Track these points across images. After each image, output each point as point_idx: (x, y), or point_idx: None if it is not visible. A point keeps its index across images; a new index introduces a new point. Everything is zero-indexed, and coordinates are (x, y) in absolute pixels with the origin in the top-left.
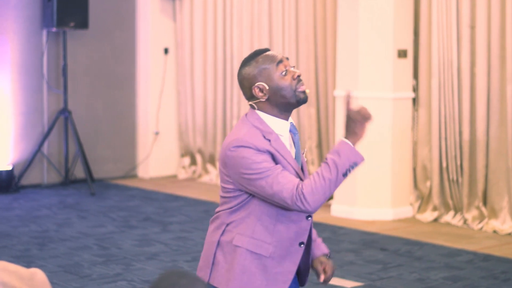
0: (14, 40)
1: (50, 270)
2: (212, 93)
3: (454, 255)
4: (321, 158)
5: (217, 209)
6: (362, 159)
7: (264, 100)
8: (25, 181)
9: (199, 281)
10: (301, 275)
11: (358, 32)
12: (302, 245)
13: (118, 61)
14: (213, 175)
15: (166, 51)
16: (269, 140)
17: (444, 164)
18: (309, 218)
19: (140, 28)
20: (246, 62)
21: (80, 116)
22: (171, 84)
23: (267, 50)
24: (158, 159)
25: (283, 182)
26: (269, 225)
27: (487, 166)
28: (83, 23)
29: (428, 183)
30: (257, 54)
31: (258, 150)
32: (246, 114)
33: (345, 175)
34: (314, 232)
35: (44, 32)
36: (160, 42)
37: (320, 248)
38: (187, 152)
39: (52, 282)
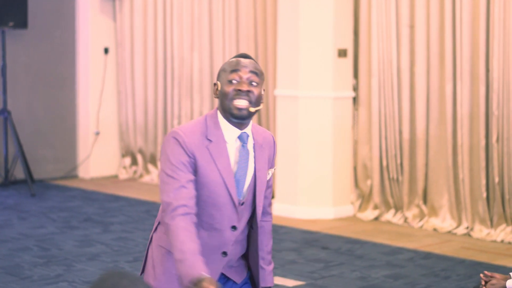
0: None
1: None
2: (152, 93)
3: (395, 253)
4: None
5: None
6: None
7: (216, 99)
8: None
9: (140, 281)
10: (254, 279)
11: (298, 31)
12: (224, 255)
13: (58, 61)
14: (154, 175)
15: (106, 50)
16: (211, 141)
17: (384, 163)
18: (235, 230)
19: (80, 28)
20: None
21: (20, 116)
22: (111, 84)
23: (246, 57)
24: (98, 159)
25: (167, 197)
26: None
27: (427, 165)
28: (22, 23)
29: (368, 182)
30: (236, 56)
31: (185, 150)
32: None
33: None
34: (267, 257)
35: None
36: (100, 41)
37: (265, 280)
38: (128, 152)
39: None
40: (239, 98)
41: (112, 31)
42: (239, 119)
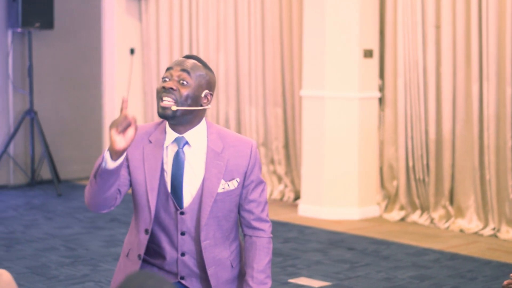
0: None
1: (17, 272)
2: None
3: (421, 254)
4: (288, 158)
5: None
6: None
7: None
8: None
9: (166, 282)
10: None
11: (324, 31)
12: (139, 259)
13: (84, 61)
14: None
15: (132, 51)
16: (150, 142)
17: (410, 164)
18: (147, 233)
19: (105, 29)
20: None
21: (46, 116)
22: (137, 85)
23: (190, 57)
24: None
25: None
26: (132, 228)
27: (453, 165)
28: (48, 24)
29: (394, 183)
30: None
31: None
32: None
33: (95, 176)
34: (257, 276)
35: (9, 33)
36: (126, 42)
37: None
38: None
39: (19, 284)
40: (164, 95)
41: (138, 32)
42: (164, 118)
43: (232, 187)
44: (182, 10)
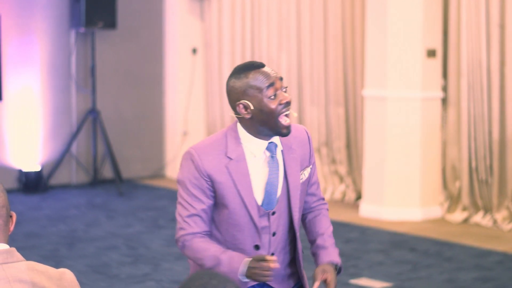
0: (43, 40)
1: (79, 270)
2: None
3: (484, 255)
4: (350, 159)
5: None
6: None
7: (247, 118)
8: (53, 181)
9: (230, 282)
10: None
11: (386, 31)
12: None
13: (146, 61)
14: None
15: (194, 51)
16: (230, 159)
17: (473, 164)
18: (257, 249)
19: (168, 28)
20: (237, 73)
21: (109, 116)
22: (199, 84)
23: (261, 65)
24: None
25: (181, 220)
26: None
27: None
28: (111, 23)
29: (457, 183)
30: (249, 68)
31: (201, 173)
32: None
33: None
34: (329, 240)
35: (73, 32)
36: (188, 42)
37: (330, 255)
38: None
39: (80, 282)
40: (285, 112)
41: (200, 32)
42: (285, 136)
43: (307, 175)
44: (244, 10)
